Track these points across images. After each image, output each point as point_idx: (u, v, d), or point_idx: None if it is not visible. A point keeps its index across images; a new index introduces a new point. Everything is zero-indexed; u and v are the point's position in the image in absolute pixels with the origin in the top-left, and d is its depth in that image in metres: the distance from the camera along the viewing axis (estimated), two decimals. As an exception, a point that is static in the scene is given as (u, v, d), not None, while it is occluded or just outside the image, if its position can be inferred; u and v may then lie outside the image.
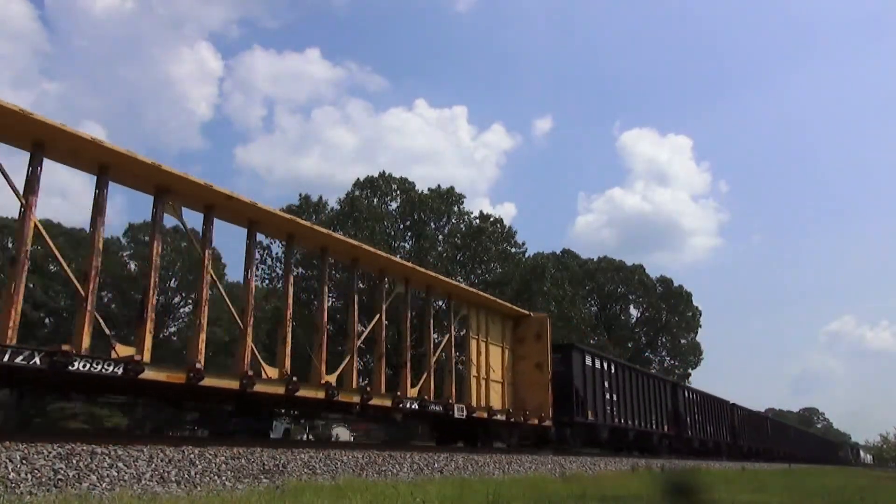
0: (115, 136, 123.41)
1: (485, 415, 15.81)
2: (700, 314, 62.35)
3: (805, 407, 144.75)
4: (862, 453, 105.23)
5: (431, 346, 15.39)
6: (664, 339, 62.66)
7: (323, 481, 8.73)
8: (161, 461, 7.59)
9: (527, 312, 19.41)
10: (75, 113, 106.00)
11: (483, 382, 16.59)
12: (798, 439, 59.03)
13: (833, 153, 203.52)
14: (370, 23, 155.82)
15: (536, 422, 17.59)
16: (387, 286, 14.24)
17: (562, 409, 18.58)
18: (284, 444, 10.16)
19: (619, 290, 61.26)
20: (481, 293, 18.10)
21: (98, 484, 6.69)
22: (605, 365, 22.32)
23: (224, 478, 7.95)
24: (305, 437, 32.33)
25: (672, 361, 62.71)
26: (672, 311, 61.12)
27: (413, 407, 13.57)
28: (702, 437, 31.33)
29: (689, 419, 29.61)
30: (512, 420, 16.81)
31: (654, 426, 25.67)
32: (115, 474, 6.97)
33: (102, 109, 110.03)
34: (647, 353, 61.18)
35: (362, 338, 13.88)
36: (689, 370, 62.33)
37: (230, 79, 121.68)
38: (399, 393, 13.61)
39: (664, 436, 27.00)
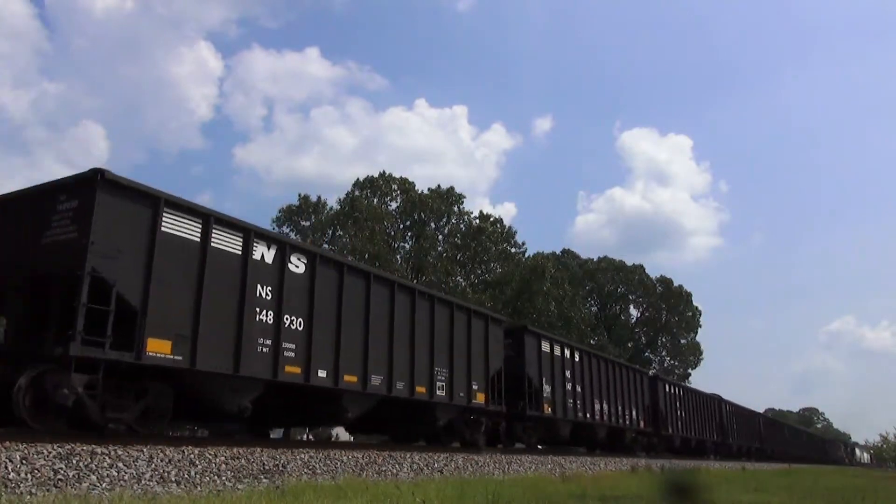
0: (115, 135, 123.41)
1: None
2: (700, 314, 62.57)
3: (805, 407, 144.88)
4: (858, 452, 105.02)
5: None
6: (664, 339, 62.79)
7: (323, 481, 8.73)
8: (161, 461, 7.59)
9: None
10: (75, 113, 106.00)
11: None
12: (771, 432, 48.21)
13: (833, 153, 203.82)
14: (370, 22, 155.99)
15: None
16: None
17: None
18: (284, 444, 10.15)
19: (619, 290, 61.39)
20: None
21: (98, 484, 6.69)
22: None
23: (224, 478, 7.96)
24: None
25: (672, 361, 62.87)
26: (672, 311, 61.24)
27: None
28: (562, 416, 18.79)
29: (547, 385, 18.14)
30: None
31: (436, 390, 13.31)
32: (115, 474, 6.97)
33: (102, 109, 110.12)
34: (647, 353, 61.32)
35: None
36: (689, 370, 62.57)
37: (230, 78, 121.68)
38: None
39: (471, 410, 14.95)
